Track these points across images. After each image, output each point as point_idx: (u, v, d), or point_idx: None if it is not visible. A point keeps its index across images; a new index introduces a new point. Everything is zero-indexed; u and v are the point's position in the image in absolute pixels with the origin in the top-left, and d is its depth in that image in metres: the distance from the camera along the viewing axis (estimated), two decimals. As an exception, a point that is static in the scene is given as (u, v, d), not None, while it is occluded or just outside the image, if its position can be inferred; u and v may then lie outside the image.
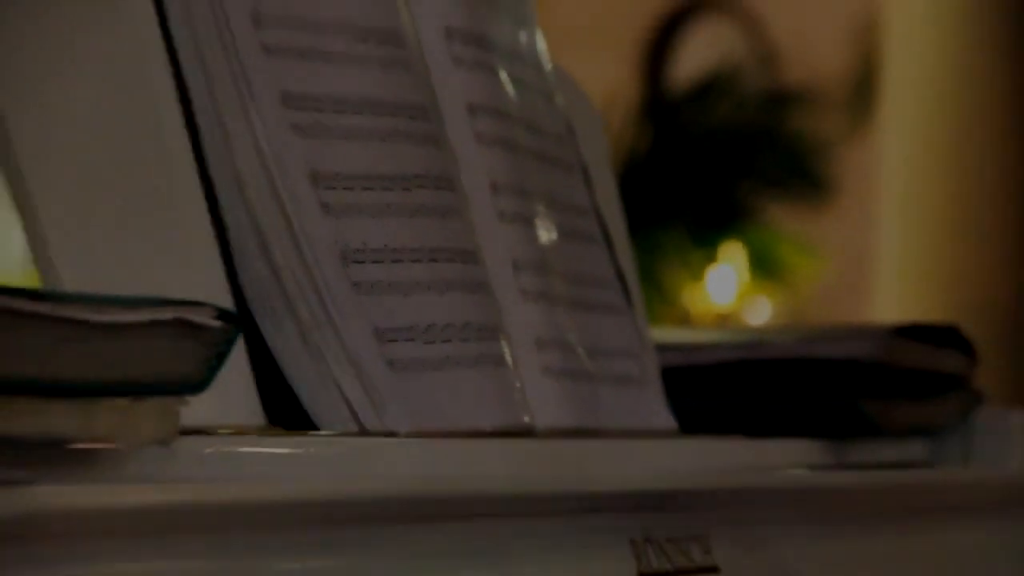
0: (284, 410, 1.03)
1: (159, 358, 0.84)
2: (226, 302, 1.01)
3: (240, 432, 0.99)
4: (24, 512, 0.77)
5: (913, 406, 1.39)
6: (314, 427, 1.03)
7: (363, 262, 1.06)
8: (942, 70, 5.79)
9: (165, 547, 0.85)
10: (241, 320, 0.96)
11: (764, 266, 7.66)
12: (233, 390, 0.98)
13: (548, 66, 1.26)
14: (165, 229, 1.04)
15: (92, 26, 1.04)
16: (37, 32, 1.02)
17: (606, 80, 6.13)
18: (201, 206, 1.05)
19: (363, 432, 1.03)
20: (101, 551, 0.82)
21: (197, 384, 0.87)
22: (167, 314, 0.84)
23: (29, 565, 0.78)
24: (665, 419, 1.23)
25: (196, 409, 0.88)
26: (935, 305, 5.29)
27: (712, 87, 7.79)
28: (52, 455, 0.83)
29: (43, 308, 0.79)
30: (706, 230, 7.54)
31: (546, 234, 1.18)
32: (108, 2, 1.05)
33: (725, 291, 7.69)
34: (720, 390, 1.33)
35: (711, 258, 7.60)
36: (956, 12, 5.82)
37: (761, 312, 7.83)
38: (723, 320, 7.44)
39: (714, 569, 1.15)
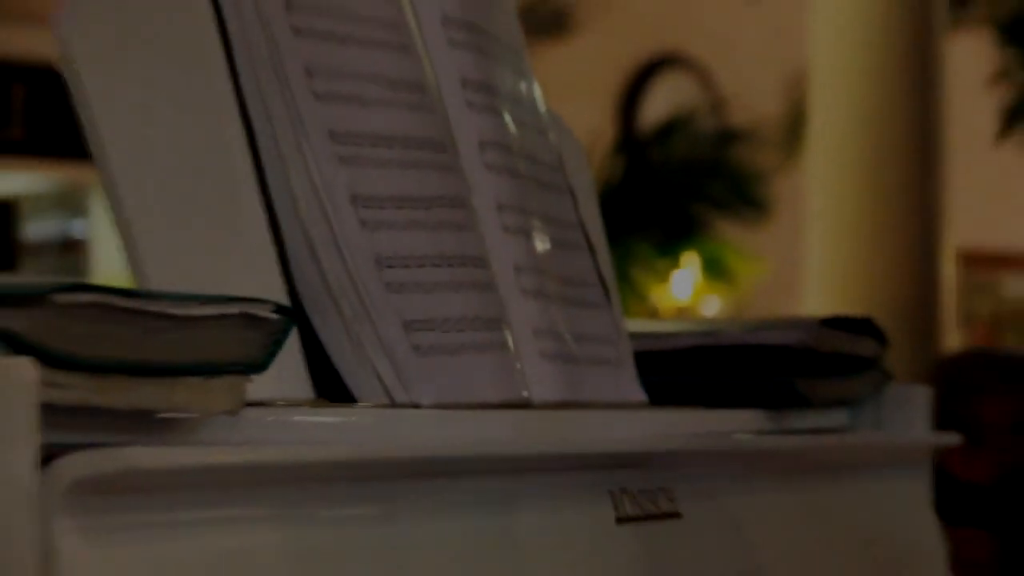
0: (329, 386, 1.03)
1: (228, 344, 0.84)
2: (282, 299, 1.01)
3: (294, 404, 0.98)
4: (119, 469, 0.76)
5: (836, 383, 1.39)
6: (354, 400, 1.03)
7: (393, 267, 1.06)
8: (856, 113, 5.82)
9: (231, 499, 0.85)
10: (294, 314, 0.96)
11: (715, 270, 7.72)
12: (288, 370, 0.98)
13: (542, 109, 1.26)
14: (234, 241, 1.04)
15: (180, 78, 1.04)
16: (140, 82, 1.02)
17: (588, 122, 6.15)
18: (263, 222, 1.05)
19: (393, 404, 1.03)
20: (179, 502, 0.82)
21: (259, 365, 0.86)
22: (234, 309, 0.84)
23: (122, 513, 0.78)
24: (637, 394, 1.23)
25: (258, 386, 0.88)
26: (853, 301, 5.29)
27: (672, 128, 7.83)
28: (141, 422, 0.82)
29: (135, 304, 0.79)
30: (669, 242, 7.60)
31: (541, 244, 1.18)
32: (192, 60, 1.05)
33: (684, 290, 7.73)
34: (681, 370, 1.33)
35: (673, 264, 7.65)
36: (866, 68, 5.83)
37: (712, 307, 7.86)
38: (682, 313, 7.47)
39: (676, 515, 1.15)
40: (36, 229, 8.50)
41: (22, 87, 7.24)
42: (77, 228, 8.33)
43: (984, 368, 3.30)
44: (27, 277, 0.88)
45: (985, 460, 2.78)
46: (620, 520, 1.09)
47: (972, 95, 5.94)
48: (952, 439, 1.51)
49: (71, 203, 8.22)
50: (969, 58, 6.01)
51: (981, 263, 8.90)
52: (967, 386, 3.03)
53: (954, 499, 1.52)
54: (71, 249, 8.34)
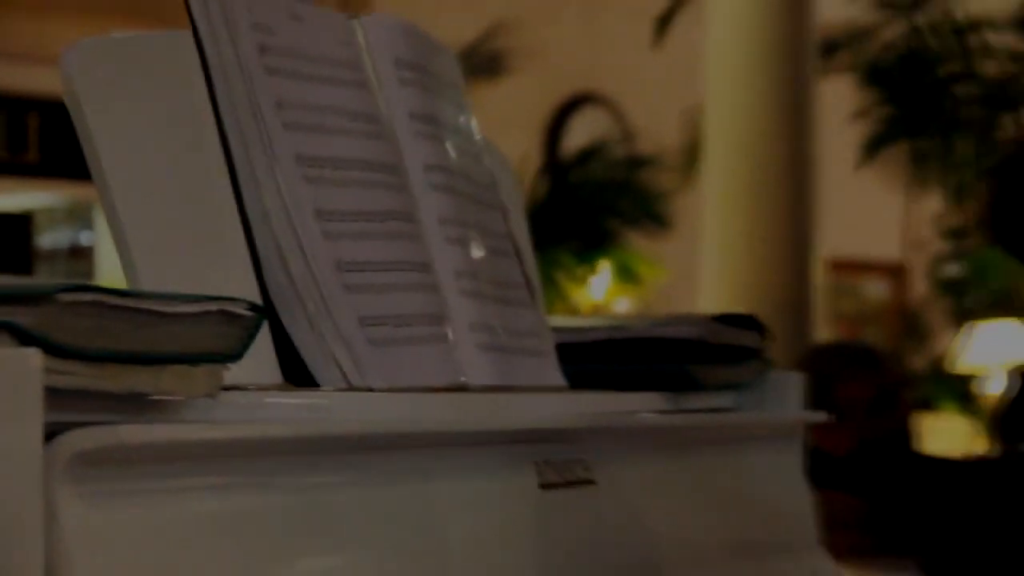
0: (295, 373, 1.02)
1: (208, 337, 0.84)
2: (255, 298, 1.00)
3: (264, 388, 0.98)
4: (113, 444, 0.76)
5: (724, 370, 1.40)
6: (316, 385, 1.02)
7: (351, 271, 1.06)
8: (743, 143, 5.88)
9: (210, 469, 0.84)
10: (265, 311, 0.96)
11: (624, 275, 7.76)
12: (260, 359, 0.97)
13: (478, 138, 1.26)
14: (214, 249, 1.03)
15: (168, 111, 1.04)
16: (133, 114, 1.01)
17: (519, 149, 6.14)
18: (240, 233, 1.04)
19: (350, 388, 1.02)
20: (165, 472, 0.81)
21: (234, 355, 0.86)
22: (213, 306, 0.83)
23: (117, 483, 0.77)
24: (558, 379, 1.23)
25: (234, 372, 0.87)
26: (740, 301, 5.33)
27: (589, 154, 7.87)
28: (133, 404, 0.81)
29: (128, 302, 0.78)
30: (586, 251, 7.63)
31: (477, 252, 1.18)
32: (179, 96, 1.04)
33: (599, 292, 7.76)
34: (595, 359, 1.33)
35: (590, 270, 7.68)
36: (751, 105, 5.87)
37: (622, 306, 7.90)
38: (597, 311, 7.49)
39: (591, 482, 1.15)
40: (49, 239, 8.50)
41: (37, 116, 7.26)
42: (84, 237, 8.33)
43: (845, 357, 3.36)
44: (39, 279, 0.89)
45: (846, 434, 2.82)
46: (543, 486, 1.09)
47: (838, 129, 6.01)
48: (820, 416, 1.53)
49: (79, 216, 8.19)
50: (835, 98, 6.07)
51: (846, 269, 9.01)
52: (832, 372, 3.08)
53: (822, 467, 1.54)
54: (79, 256, 8.33)
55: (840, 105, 6.04)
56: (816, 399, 1.58)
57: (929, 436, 6.33)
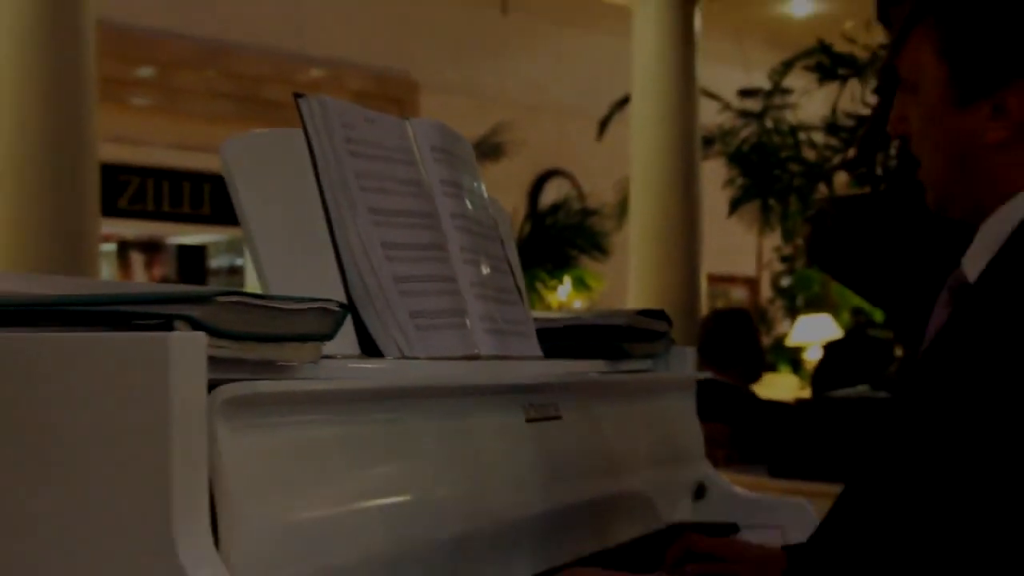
0: (368, 347, 1.01)
1: (312, 324, 0.83)
2: (342, 299, 1.00)
3: (348, 357, 0.97)
4: (251, 393, 0.76)
5: (645, 345, 1.39)
6: (381, 355, 1.01)
7: (403, 282, 1.05)
8: (655, 200, 5.94)
9: (315, 410, 0.84)
10: (349, 307, 0.96)
11: (579, 286, 7.76)
12: (345, 338, 0.97)
13: (485, 196, 1.25)
14: (316, 268, 1.02)
15: (290, 183, 1.03)
16: (268, 185, 1.01)
17: (511, 204, 6.18)
18: (332, 258, 1.03)
19: (404, 357, 1.01)
20: (286, 411, 0.81)
21: (329, 335, 0.85)
22: (315, 305, 0.83)
23: (253, 418, 0.77)
24: (537, 351, 1.22)
25: (329, 347, 0.87)
26: (653, 301, 5.33)
27: (557, 207, 7.85)
28: (265, 367, 0.81)
29: (261, 302, 0.78)
30: (555, 270, 7.63)
31: (485, 269, 1.17)
32: (296, 173, 1.04)
33: (563, 295, 7.75)
34: (561, 338, 1.31)
35: (558, 282, 7.68)
36: (657, 179, 5.93)
37: (578, 305, 7.89)
38: (562, 308, 7.49)
39: (559, 417, 1.14)
40: (216, 262, 8.55)
41: (209, 185, 7.38)
42: (237, 261, 8.35)
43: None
44: (207, 288, 0.89)
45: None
46: (528, 420, 1.09)
47: (714, 192, 6.03)
48: (705, 374, 1.52)
49: (234, 248, 8.24)
50: (712, 174, 6.11)
51: (719, 281, 9.04)
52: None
53: (704, 407, 1.53)
54: (234, 273, 8.40)
55: (715, 178, 6.08)
56: (701, 365, 1.57)
57: (772, 388, 6.36)
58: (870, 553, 0.72)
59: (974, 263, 0.82)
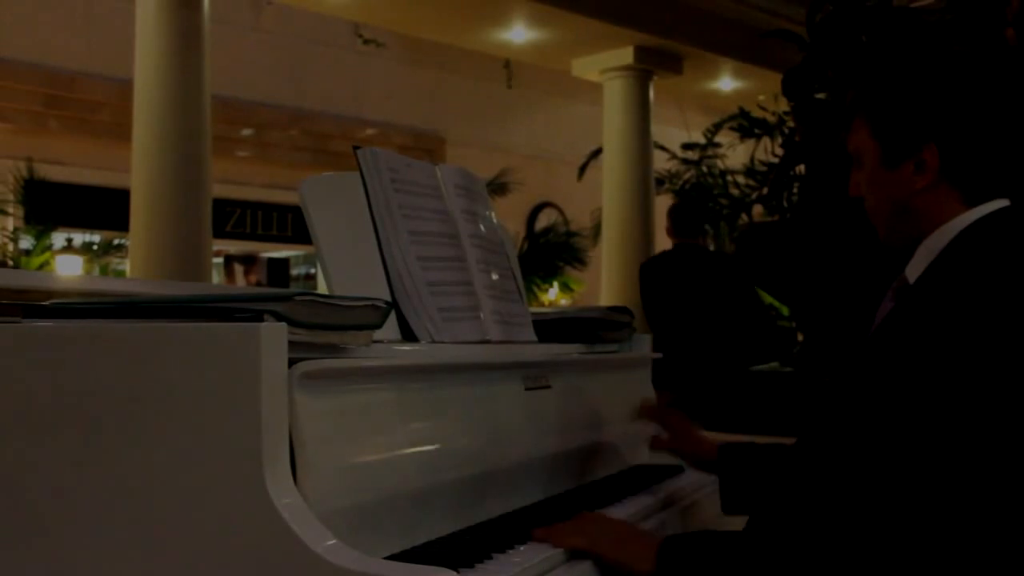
0: (407, 334, 1.00)
1: (366, 316, 0.82)
2: (388, 298, 0.99)
3: (392, 341, 0.96)
4: (321, 368, 0.74)
5: (615, 333, 1.37)
6: (417, 340, 1.00)
7: (433, 285, 1.03)
8: (622, 226, 5.95)
9: (369, 380, 0.83)
10: (393, 304, 0.95)
11: (564, 289, 7.71)
12: (390, 327, 0.96)
13: (495, 221, 1.24)
14: (369, 275, 1.01)
15: (349, 210, 1.02)
16: (334, 214, 1.00)
17: (514, 228, 6.16)
18: (381, 268, 1.02)
19: (433, 341, 1.00)
20: (348, 382, 0.79)
21: (378, 325, 0.84)
22: (368, 303, 0.82)
23: (323, 387, 0.75)
24: (533, 338, 1.21)
25: (378, 334, 0.85)
26: (619, 300, 5.30)
27: (548, 230, 7.81)
28: (331, 349, 0.79)
29: (328, 300, 0.77)
30: (546, 277, 7.58)
31: (495, 276, 1.16)
32: (354, 202, 1.02)
33: (553, 296, 7.71)
34: (550, 327, 1.29)
35: (548, 286, 7.63)
36: (621, 210, 5.92)
37: (564, 303, 7.85)
38: (551, 305, 7.46)
39: (549, 387, 1.13)
40: (296, 271, 8.54)
41: (291, 214, 7.51)
42: (311, 270, 8.34)
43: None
44: (289, 290, 0.87)
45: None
46: (526, 389, 1.07)
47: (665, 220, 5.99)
48: (658, 355, 1.50)
49: (309, 260, 8.22)
50: (664, 206, 6.08)
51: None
52: None
53: (656, 379, 1.51)
54: (309, 279, 8.37)
55: (665, 209, 6.04)
56: (656, 348, 1.53)
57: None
58: (822, 497, 0.73)
59: (915, 270, 0.84)
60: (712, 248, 3.91)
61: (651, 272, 3.18)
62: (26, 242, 5.30)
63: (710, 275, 3.01)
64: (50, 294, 0.92)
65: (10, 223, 5.42)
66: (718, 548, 0.78)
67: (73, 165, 5.94)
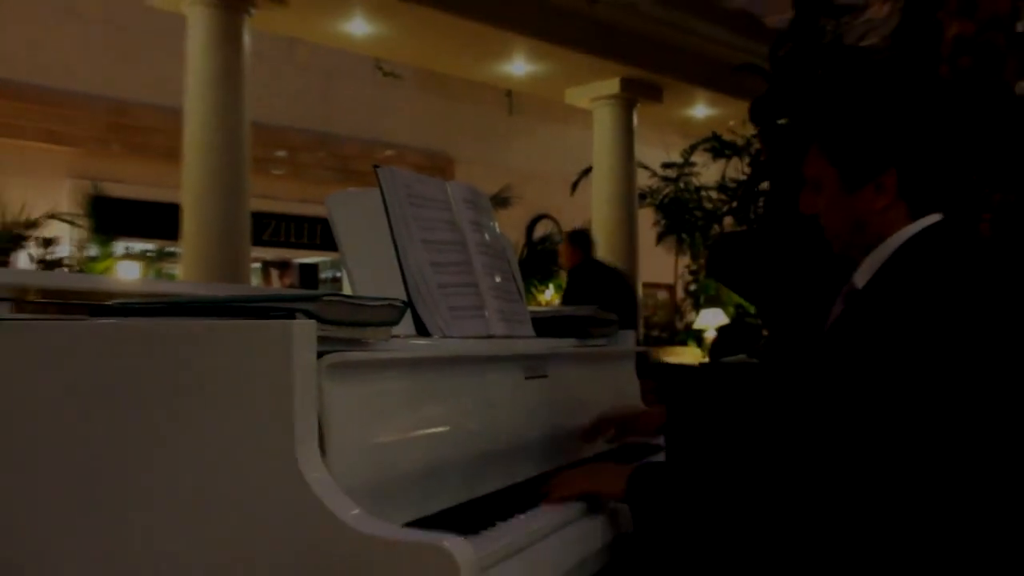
0: (422, 330, 0.99)
1: (385, 314, 0.82)
2: (404, 297, 0.98)
3: (408, 336, 0.95)
4: (345, 360, 0.74)
5: (602, 328, 1.37)
6: (429, 335, 0.99)
7: (444, 287, 1.03)
8: (608, 235, 5.92)
9: (388, 370, 0.82)
10: (409, 304, 0.94)
11: (559, 290, 7.61)
12: (406, 323, 0.95)
13: (498, 231, 1.24)
14: (388, 278, 1.00)
15: (372, 220, 1.01)
16: (358, 225, 0.99)
17: (515, 236, 6.14)
18: (397, 272, 1.01)
19: (444, 336, 0.99)
20: (369, 371, 0.79)
21: (395, 322, 0.83)
22: (386, 302, 0.81)
23: (347, 376, 0.75)
24: (531, 333, 1.20)
25: (396, 329, 0.85)
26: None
27: (544, 239, 7.76)
28: (354, 343, 0.79)
29: (352, 300, 0.76)
30: (543, 280, 7.53)
31: (497, 278, 1.15)
32: (374, 213, 1.02)
33: (549, 297, 7.66)
34: (547, 324, 1.28)
35: (544, 287, 7.59)
36: (607, 222, 5.90)
37: (558, 303, 7.80)
38: (547, 305, 7.42)
39: (546, 376, 1.12)
40: (324, 274, 8.52)
41: (320, 225, 7.39)
42: (338, 274, 8.30)
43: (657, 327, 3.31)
44: (318, 291, 0.87)
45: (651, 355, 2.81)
46: (526, 378, 1.07)
47: (647, 230, 5.97)
48: (641, 348, 1.50)
49: (335, 265, 8.19)
50: (646, 218, 6.07)
51: (650, 287, 8.94)
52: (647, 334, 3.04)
53: (639, 369, 1.51)
54: (336, 281, 8.32)
55: (647, 220, 6.06)
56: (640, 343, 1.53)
57: (684, 356, 6.31)
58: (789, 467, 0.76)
59: (863, 277, 0.86)
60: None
61: (584, 278, 3.75)
62: (92, 250, 5.42)
63: (612, 279, 3.71)
64: (112, 295, 0.92)
65: (78, 234, 5.52)
66: (676, 477, 0.84)
67: (132, 183, 6.00)
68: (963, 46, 2.61)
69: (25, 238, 4.71)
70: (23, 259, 4.74)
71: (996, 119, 2.64)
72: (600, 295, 3.06)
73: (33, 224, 4.77)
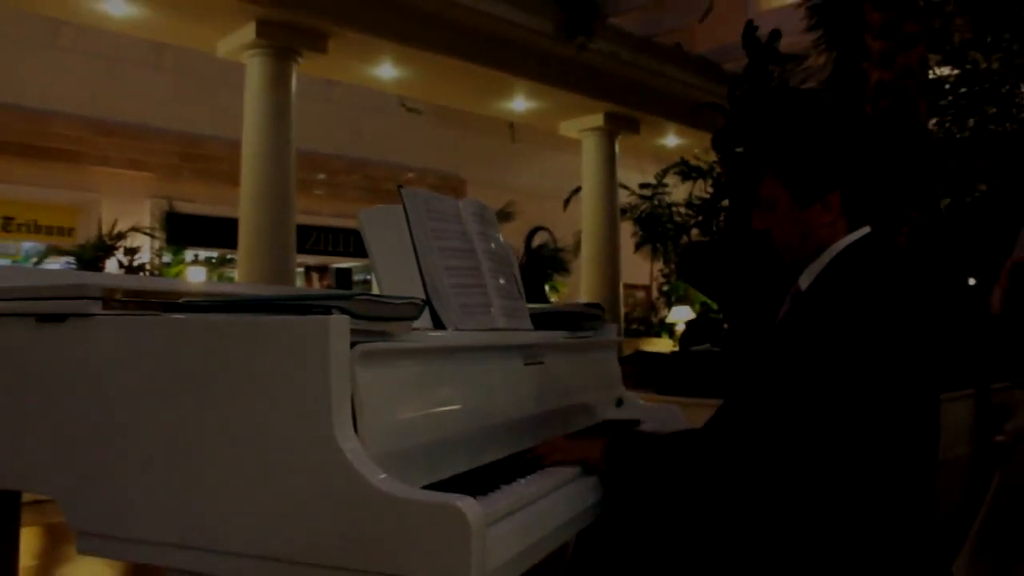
0: (438, 324, 0.98)
1: (407, 311, 0.81)
2: (423, 296, 0.97)
3: (426, 329, 0.94)
4: (374, 350, 0.73)
5: (591, 322, 1.35)
6: (444, 328, 0.98)
7: (456, 288, 1.02)
8: (596, 244, 5.89)
9: (410, 358, 0.81)
10: (427, 302, 0.93)
11: (553, 291, 7.59)
12: (425, 318, 0.95)
13: (502, 240, 1.23)
14: (409, 280, 0.99)
15: (396, 233, 1.00)
16: (386, 237, 0.99)
17: (516, 245, 6.12)
18: (418, 275, 0.99)
19: (457, 329, 0.98)
20: (394, 359, 0.78)
21: (415, 317, 0.83)
22: (406, 300, 0.81)
23: (376, 363, 0.74)
24: (530, 326, 1.19)
25: (416, 324, 0.84)
26: (595, 298, 5.27)
27: (541, 247, 7.72)
28: (381, 335, 0.78)
29: (380, 299, 0.76)
30: (541, 282, 7.49)
31: (502, 280, 1.15)
32: (398, 227, 1.01)
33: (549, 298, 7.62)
34: (543, 318, 1.26)
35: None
36: (595, 232, 5.88)
37: (553, 300, 7.76)
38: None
39: (542, 363, 1.11)
40: (357, 277, 8.48)
41: (353, 236, 7.35)
42: (368, 277, 8.27)
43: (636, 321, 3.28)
44: (351, 291, 0.85)
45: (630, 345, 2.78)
46: (525, 364, 1.06)
47: (627, 239, 5.96)
48: (621, 339, 1.47)
49: (366, 270, 8.18)
50: (626, 230, 6.08)
51: (629, 287, 8.87)
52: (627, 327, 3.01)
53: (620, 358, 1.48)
54: (366, 283, 8.30)
55: (627, 232, 6.05)
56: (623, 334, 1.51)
57: (657, 346, 6.29)
58: (751, 437, 0.78)
59: (806, 280, 0.88)
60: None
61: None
62: (167, 257, 5.61)
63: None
64: (182, 295, 0.92)
65: (156, 244, 5.73)
66: (649, 446, 0.86)
67: (199, 202, 6.17)
68: (883, 90, 2.76)
69: (114, 248, 4.92)
70: (113, 265, 4.90)
71: (911, 150, 2.73)
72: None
73: (121, 236, 4.99)
